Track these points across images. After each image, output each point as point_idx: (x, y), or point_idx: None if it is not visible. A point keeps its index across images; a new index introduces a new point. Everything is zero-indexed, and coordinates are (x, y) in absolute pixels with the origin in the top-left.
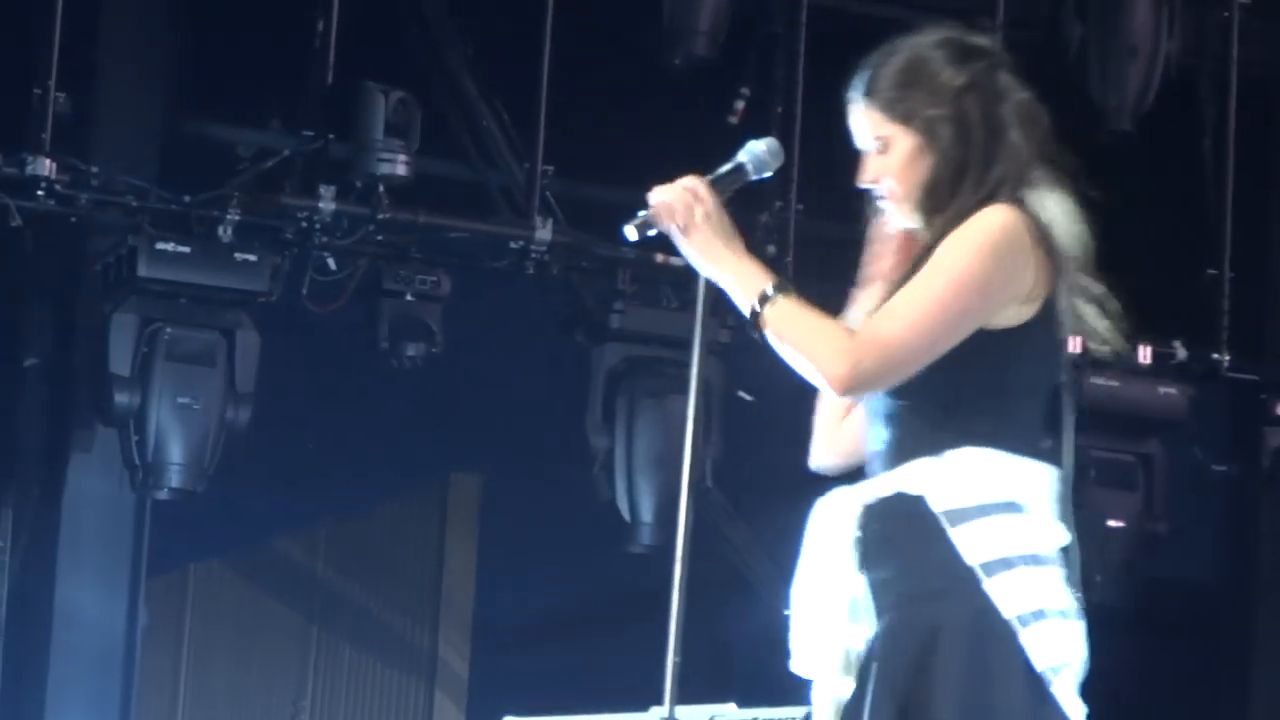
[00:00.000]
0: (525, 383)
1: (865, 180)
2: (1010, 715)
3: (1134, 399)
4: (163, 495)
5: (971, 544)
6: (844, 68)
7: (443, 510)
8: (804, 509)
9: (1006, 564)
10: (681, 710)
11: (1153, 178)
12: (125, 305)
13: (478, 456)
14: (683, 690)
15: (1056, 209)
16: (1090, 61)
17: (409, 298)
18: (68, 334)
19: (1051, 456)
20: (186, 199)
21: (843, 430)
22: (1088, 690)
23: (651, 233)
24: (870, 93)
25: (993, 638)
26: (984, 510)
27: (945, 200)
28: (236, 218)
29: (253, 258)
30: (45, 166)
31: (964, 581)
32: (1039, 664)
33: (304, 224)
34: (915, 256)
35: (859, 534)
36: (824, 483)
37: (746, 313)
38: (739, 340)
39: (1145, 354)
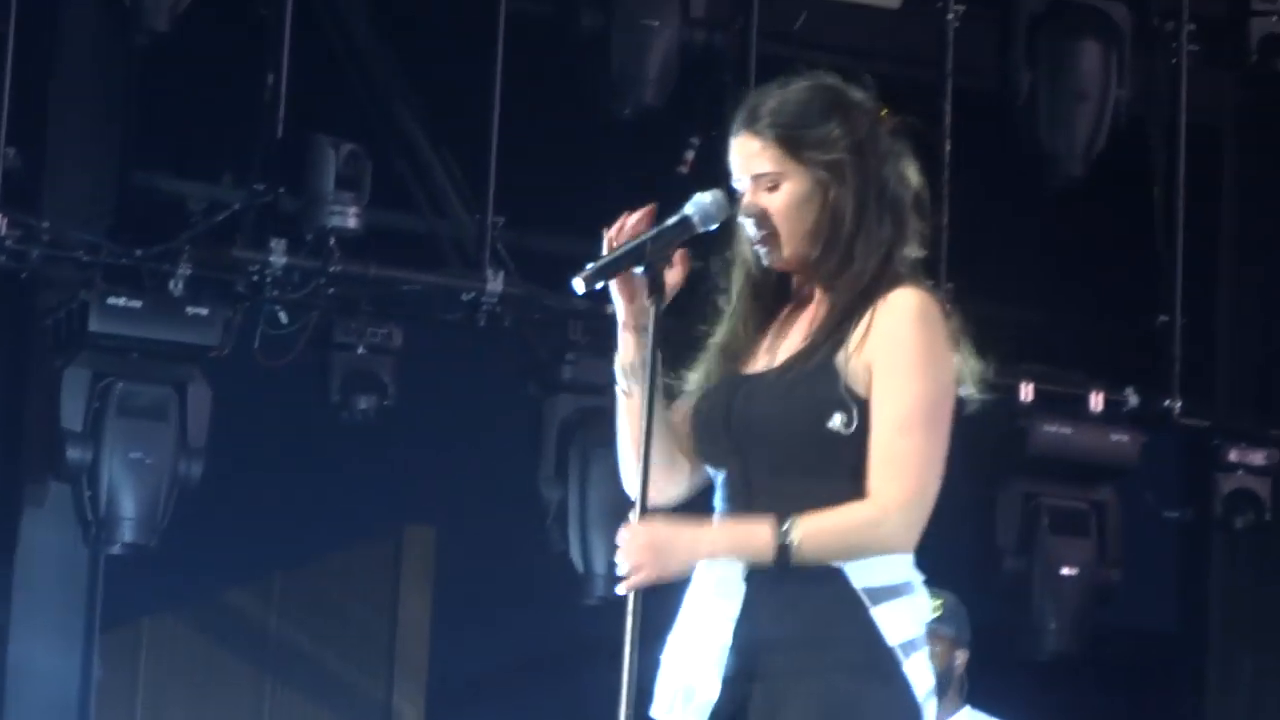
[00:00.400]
0: (478, 435)
1: (747, 215)
2: None
3: (1086, 446)
4: (116, 550)
5: (891, 625)
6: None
7: (396, 562)
8: None
9: (913, 645)
10: None
11: (1103, 224)
12: (77, 360)
13: (431, 509)
14: None
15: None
16: (1040, 108)
17: (361, 350)
18: (19, 389)
19: None
20: (138, 253)
21: (675, 466)
22: None
23: (599, 285)
24: (768, 125)
25: (909, 717)
26: (895, 591)
27: (835, 256)
28: (188, 272)
29: (204, 311)
30: None
31: (886, 662)
32: None
33: (255, 277)
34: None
35: (746, 590)
36: None
37: (775, 566)
38: None
39: (1097, 400)
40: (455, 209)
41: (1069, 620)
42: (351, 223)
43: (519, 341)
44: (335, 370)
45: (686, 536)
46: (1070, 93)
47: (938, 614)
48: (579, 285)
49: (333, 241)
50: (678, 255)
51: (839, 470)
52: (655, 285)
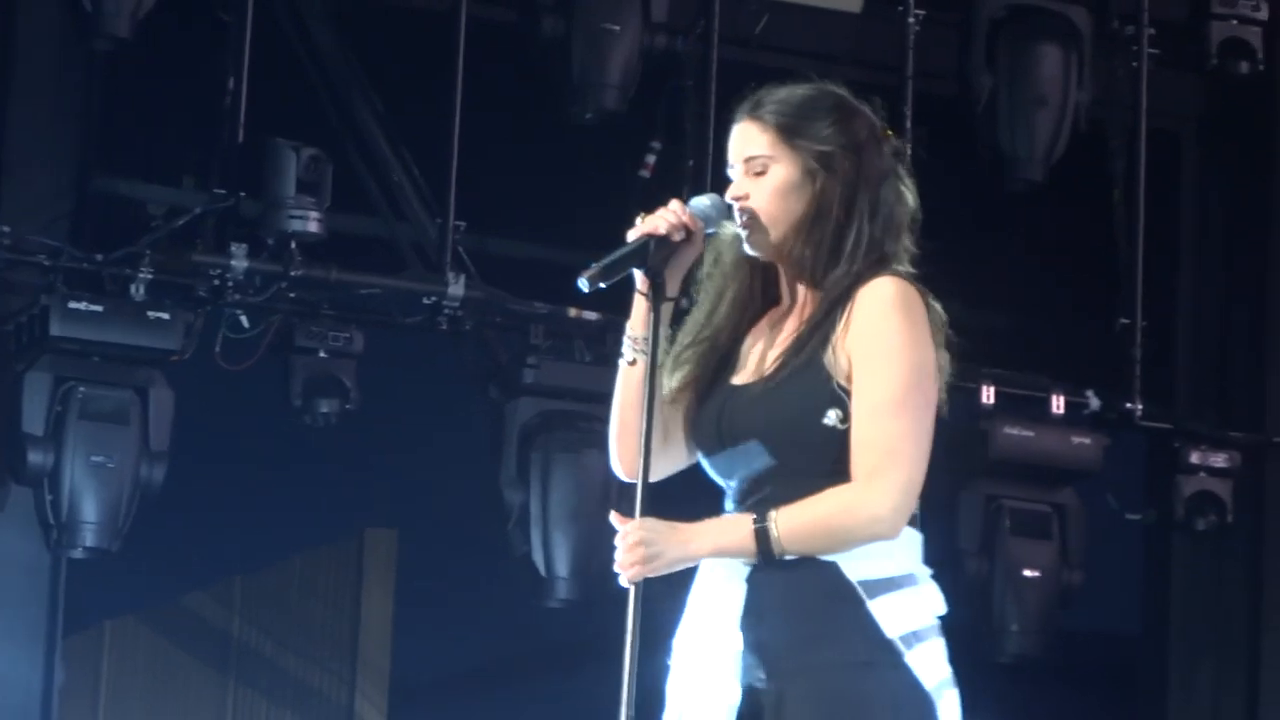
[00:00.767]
0: (439, 438)
1: (733, 196)
2: None
3: (1048, 449)
4: (78, 554)
5: (889, 617)
6: (734, 114)
7: (359, 565)
8: None
9: (918, 636)
10: None
11: (1063, 228)
12: (38, 364)
13: (393, 511)
14: None
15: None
16: (1000, 112)
17: (322, 354)
18: None
19: (919, 521)
20: (99, 258)
21: (667, 447)
22: None
23: (603, 285)
24: (769, 112)
25: (919, 708)
26: (894, 583)
27: (821, 252)
28: (149, 276)
29: (165, 316)
30: None
31: (887, 654)
32: None
33: (216, 282)
34: (811, 319)
35: (747, 590)
36: None
37: (759, 559)
38: None
39: (1058, 403)
40: (416, 213)
41: (1031, 622)
42: (312, 227)
43: (480, 345)
44: (297, 374)
45: (676, 534)
46: (1030, 97)
47: None
48: (584, 284)
49: (294, 245)
50: (696, 227)
51: (842, 466)
52: (656, 285)
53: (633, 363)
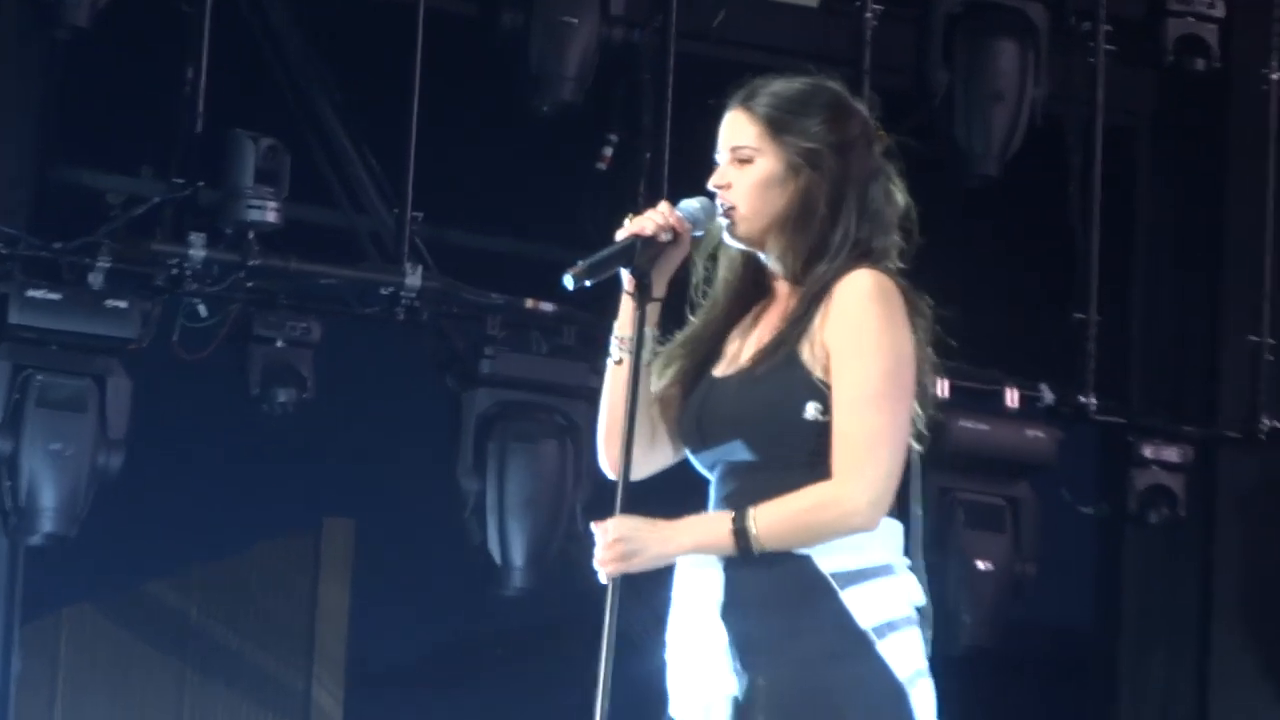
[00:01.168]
0: (397, 427)
1: (716, 184)
2: None
3: (1002, 442)
4: (35, 540)
5: (863, 608)
6: (712, 114)
7: (316, 554)
8: None
9: (892, 626)
10: None
11: (1018, 223)
12: None
13: (350, 501)
14: None
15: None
16: (957, 107)
17: (280, 344)
18: None
19: (898, 512)
20: (57, 246)
21: (654, 444)
22: None
23: (588, 283)
24: (760, 104)
25: (891, 697)
26: (866, 574)
27: (804, 247)
28: (107, 265)
29: (123, 304)
30: None
31: (859, 645)
32: (921, 716)
33: (174, 271)
34: (791, 314)
35: (724, 583)
36: None
37: (738, 554)
38: None
39: (1013, 397)
40: (374, 204)
41: (984, 614)
42: (270, 217)
43: (437, 335)
44: (254, 363)
45: (654, 531)
46: (987, 92)
47: None
48: (569, 281)
49: (252, 235)
50: (683, 229)
51: (821, 458)
52: (642, 287)
53: (619, 362)
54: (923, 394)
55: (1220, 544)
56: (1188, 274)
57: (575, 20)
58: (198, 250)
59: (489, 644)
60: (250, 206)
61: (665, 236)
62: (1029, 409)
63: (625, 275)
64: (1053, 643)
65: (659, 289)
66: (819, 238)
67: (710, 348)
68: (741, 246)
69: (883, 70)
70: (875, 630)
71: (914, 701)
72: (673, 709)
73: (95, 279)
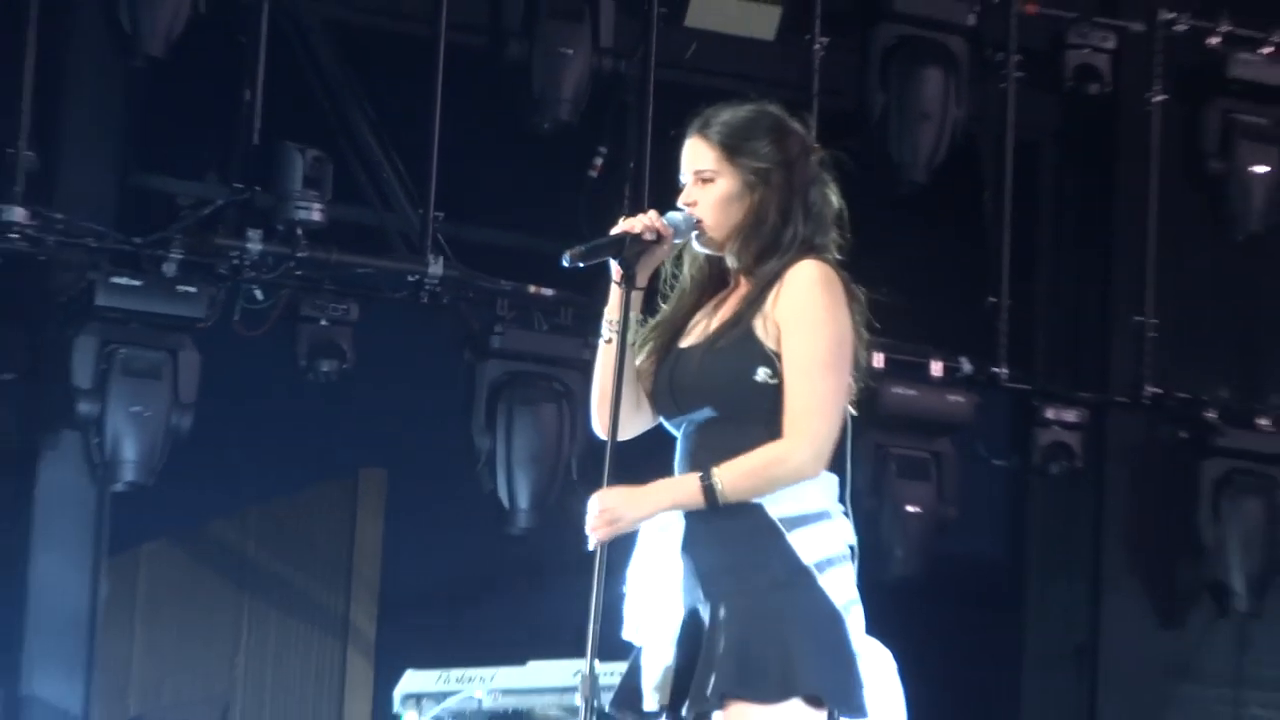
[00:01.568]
0: (422, 393)
1: (685, 202)
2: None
3: (927, 405)
4: (119, 487)
5: (806, 547)
6: (672, 142)
7: (354, 499)
8: None
9: (830, 562)
10: (555, 664)
11: (942, 222)
12: (86, 329)
13: (383, 454)
14: (555, 648)
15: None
16: (891, 125)
17: (324, 323)
18: (38, 354)
19: (835, 465)
20: (137, 240)
21: (639, 409)
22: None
23: (582, 265)
24: (714, 132)
25: (829, 619)
26: (808, 519)
27: (758, 248)
28: (179, 256)
29: (193, 290)
30: (18, 214)
31: (803, 576)
32: (854, 636)
33: (235, 261)
34: (747, 297)
35: (685, 526)
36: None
37: (709, 508)
38: None
39: (937, 368)
40: (402, 205)
41: (913, 550)
42: (316, 216)
43: (456, 316)
44: (302, 339)
45: (635, 498)
46: (916, 113)
47: None
48: (567, 260)
49: (300, 232)
50: (666, 232)
51: (773, 415)
52: (628, 274)
53: (609, 341)
54: (856, 367)
55: (1110, 491)
56: (1084, 265)
57: (571, 51)
58: (255, 244)
59: (498, 573)
60: (299, 207)
61: (650, 236)
62: (951, 378)
63: (614, 266)
64: (971, 573)
65: (642, 280)
66: (772, 239)
67: (678, 328)
68: (709, 251)
69: (829, 94)
70: (816, 565)
71: (848, 623)
72: (626, 631)
73: (169, 268)
